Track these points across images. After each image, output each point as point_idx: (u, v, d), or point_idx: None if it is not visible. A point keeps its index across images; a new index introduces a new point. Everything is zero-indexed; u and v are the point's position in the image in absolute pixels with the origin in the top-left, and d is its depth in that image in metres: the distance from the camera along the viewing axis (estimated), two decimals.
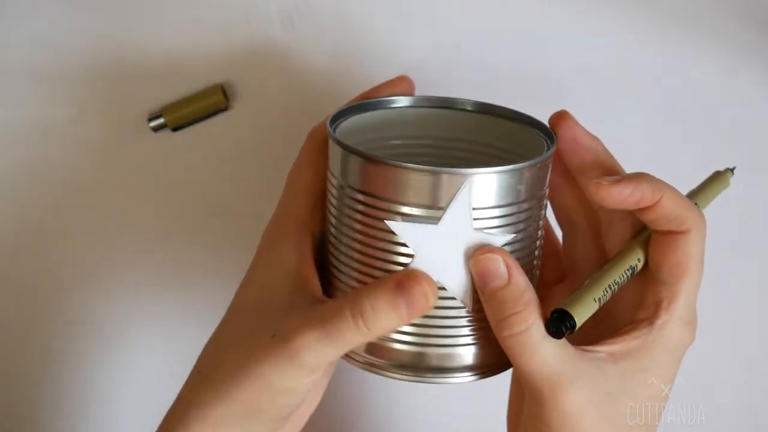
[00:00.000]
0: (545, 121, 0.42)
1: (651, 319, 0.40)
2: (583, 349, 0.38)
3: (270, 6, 0.53)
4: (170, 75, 0.54)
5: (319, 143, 0.43)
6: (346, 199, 0.39)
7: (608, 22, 0.54)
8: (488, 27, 0.54)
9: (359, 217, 0.38)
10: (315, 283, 0.40)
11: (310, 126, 0.45)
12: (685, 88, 0.55)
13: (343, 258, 0.40)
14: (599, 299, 0.38)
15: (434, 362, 0.39)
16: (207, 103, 0.53)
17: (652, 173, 0.39)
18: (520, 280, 0.37)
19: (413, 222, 0.37)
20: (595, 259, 0.43)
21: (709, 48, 0.54)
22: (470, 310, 0.39)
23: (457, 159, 0.45)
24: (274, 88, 0.54)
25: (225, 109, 0.54)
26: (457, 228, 0.37)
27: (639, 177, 0.38)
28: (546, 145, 0.41)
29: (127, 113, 0.54)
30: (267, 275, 0.41)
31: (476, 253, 0.37)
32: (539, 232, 0.41)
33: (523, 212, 0.38)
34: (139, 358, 0.59)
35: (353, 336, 0.37)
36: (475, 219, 0.37)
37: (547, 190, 0.41)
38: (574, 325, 0.37)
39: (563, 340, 0.37)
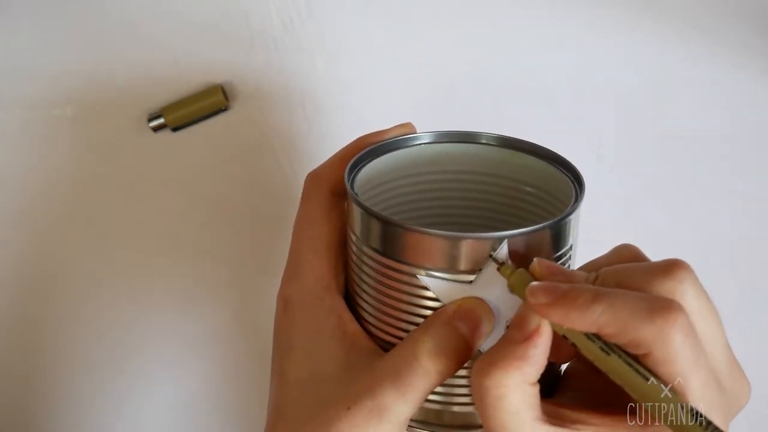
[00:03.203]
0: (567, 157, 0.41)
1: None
2: (562, 423, 0.33)
3: (270, 6, 0.53)
4: (170, 75, 0.54)
5: (326, 194, 0.41)
6: (375, 264, 0.37)
7: (607, 21, 0.54)
8: (486, 30, 0.54)
9: (384, 280, 0.37)
10: (363, 337, 0.39)
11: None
12: (683, 88, 0.55)
13: (370, 307, 0.39)
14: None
15: (456, 420, 0.39)
16: (207, 103, 0.53)
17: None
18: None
19: (444, 280, 0.35)
20: None
21: (708, 48, 0.54)
22: None
23: (484, 194, 0.44)
24: (274, 88, 0.54)
25: (225, 109, 0.54)
26: (490, 287, 0.35)
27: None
28: (572, 187, 0.39)
29: (127, 113, 0.54)
30: (314, 344, 0.39)
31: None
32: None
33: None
34: (137, 355, 0.59)
35: (424, 380, 0.35)
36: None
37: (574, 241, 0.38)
38: None
39: (539, 408, 0.32)
